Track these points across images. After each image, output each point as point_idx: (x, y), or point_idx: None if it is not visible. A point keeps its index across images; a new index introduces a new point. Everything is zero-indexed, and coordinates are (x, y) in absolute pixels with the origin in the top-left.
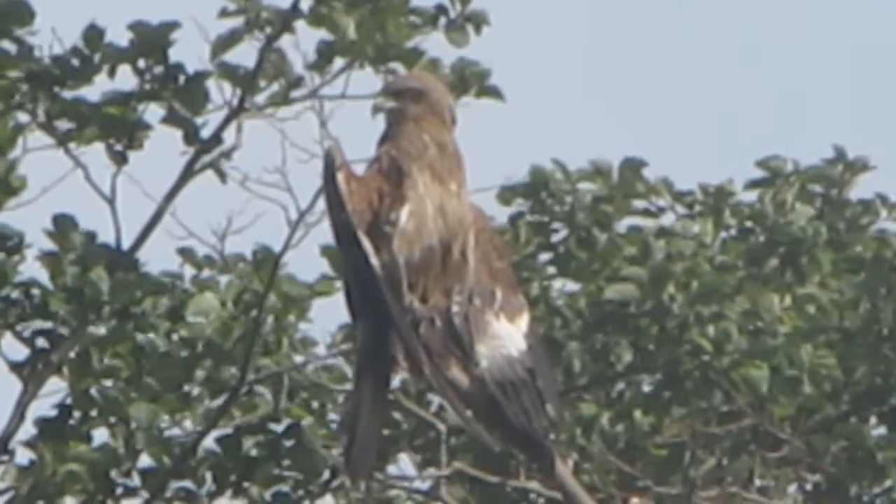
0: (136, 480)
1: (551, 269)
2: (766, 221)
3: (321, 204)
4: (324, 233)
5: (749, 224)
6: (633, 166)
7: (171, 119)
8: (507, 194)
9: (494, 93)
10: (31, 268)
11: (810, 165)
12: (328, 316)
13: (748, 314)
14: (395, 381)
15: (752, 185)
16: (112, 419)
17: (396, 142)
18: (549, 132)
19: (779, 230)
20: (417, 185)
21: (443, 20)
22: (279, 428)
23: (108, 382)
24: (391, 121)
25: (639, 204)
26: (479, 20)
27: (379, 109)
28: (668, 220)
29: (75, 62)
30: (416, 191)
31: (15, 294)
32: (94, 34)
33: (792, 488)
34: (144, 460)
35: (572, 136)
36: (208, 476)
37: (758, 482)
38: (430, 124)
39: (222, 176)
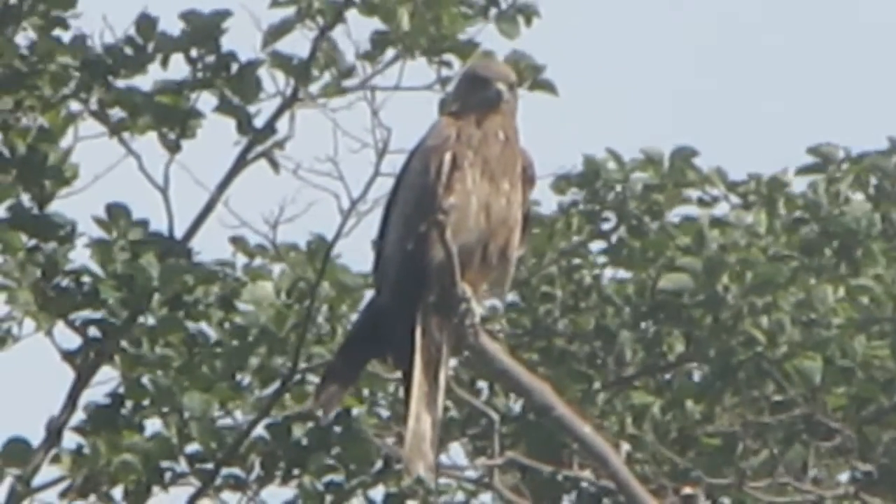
0: (183, 465)
1: (603, 259)
2: (820, 212)
3: (373, 193)
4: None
5: (802, 214)
6: (683, 155)
7: (223, 108)
8: (561, 184)
9: (548, 87)
10: (82, 256)
11: (862, 153)
12: None
13: (802, 305)
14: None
15: (804, 170)
16: (165, 408)
17: (464, 128)
18: (602, 122)
19: (833, 221)
20: (466, 180)
21: (493, 11)
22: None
23: (161, 371)
24: (487, 110)
25: (692, 193)
26: (529, 12)
27: (503, 101)
28: (721, 209)
29: (128, 51)
30: (463, 185)
31: (66, 282)
32: (146, 24)
33: (843, 477)
34: (192, 445)
35: (626, 126)
36: (257, 463)
37: (811, 472)
38: (508, 117)
39: (275, 165)
